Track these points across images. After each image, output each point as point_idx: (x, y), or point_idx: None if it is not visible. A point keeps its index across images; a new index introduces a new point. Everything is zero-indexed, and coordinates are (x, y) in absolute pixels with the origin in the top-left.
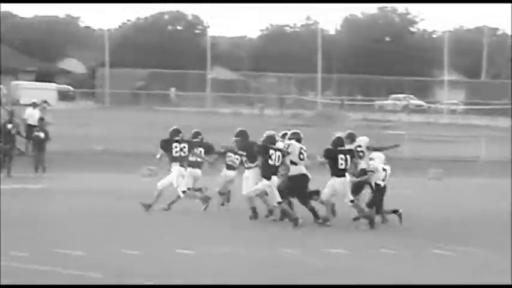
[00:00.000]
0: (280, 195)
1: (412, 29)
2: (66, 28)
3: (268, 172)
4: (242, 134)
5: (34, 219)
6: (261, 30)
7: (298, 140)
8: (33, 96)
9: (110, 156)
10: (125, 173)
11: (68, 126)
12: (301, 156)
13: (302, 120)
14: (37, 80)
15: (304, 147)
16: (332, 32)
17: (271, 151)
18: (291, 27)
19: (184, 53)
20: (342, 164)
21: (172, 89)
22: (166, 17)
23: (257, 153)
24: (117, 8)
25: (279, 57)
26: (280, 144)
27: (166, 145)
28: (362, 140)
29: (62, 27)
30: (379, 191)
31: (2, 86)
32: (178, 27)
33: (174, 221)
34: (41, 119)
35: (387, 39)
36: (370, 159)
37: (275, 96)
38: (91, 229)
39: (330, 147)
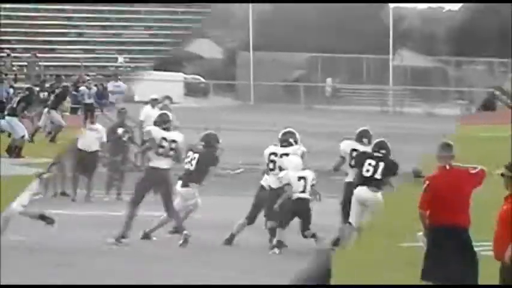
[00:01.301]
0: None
1: None
2: None
3: None
4: None
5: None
6: None
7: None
8: (152, 91)
9: (250, 174)
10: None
11: (197, 132)
12: (162, 148)
13: None
14: (156, 69)
15: (173, 138)
16: None
17: None
18: None
19: (358, 31)
20: (368, 171)
21: (328, 80)
22: None
23: None
24: None
25: (492, 36)
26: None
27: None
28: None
29: None
30: (297, 206)
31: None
32: None
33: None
34: None
35: None
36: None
37: (486, 90)
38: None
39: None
